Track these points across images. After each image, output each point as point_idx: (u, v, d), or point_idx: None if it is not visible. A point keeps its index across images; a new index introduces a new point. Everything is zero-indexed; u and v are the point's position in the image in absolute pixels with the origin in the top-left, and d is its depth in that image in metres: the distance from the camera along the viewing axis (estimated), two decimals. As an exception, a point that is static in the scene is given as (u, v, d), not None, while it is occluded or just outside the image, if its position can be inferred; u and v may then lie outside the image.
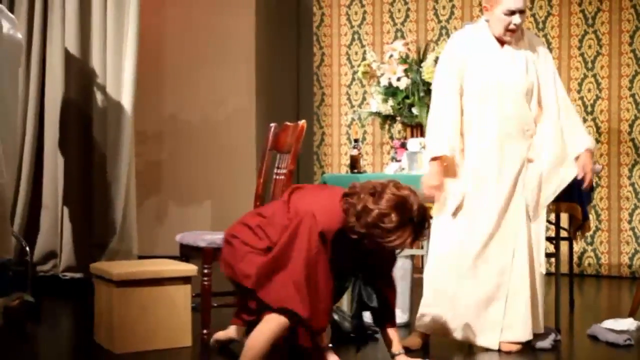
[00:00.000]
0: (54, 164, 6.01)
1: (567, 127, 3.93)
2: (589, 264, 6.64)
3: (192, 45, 7.45)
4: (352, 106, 7.24)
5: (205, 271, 4.21)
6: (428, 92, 5.60)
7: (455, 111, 3.88)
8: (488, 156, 3.88)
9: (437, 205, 3.90)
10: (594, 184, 6.44)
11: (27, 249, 5.59)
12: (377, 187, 3.30)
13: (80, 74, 6.04)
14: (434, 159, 3.87)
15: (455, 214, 3.88)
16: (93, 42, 6.02)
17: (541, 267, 3.96)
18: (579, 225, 4.89)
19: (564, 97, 4.00)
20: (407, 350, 3.74)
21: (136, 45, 5.91)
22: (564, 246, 5.45)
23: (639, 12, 6.50)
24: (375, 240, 3.27)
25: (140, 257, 5.79)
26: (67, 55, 6.00)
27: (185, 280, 4.17)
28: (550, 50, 6.40)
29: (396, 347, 3.59)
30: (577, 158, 3.93)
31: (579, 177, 3.93)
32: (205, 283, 4.20)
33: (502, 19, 3.85)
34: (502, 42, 3.93)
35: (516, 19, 3.84)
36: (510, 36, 3.88)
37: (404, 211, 3.24)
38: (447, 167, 3.88)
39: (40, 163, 6.04)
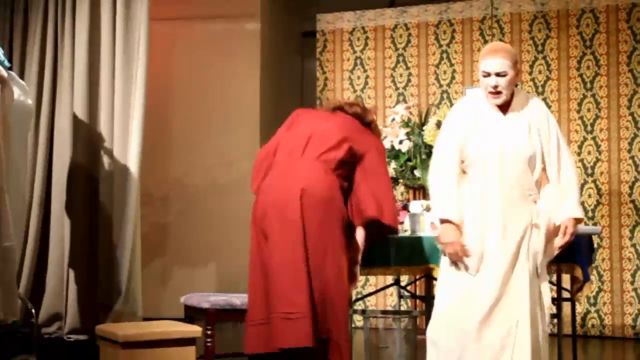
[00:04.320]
0: (61, 226, 6.07)
1: (560, 193, 3.96)
2: (593, 325, 6.64)
3: (198, 110, 7.58)
4: (356, 169, 7.32)
5: (209, 332, 4.24)
6: (430, 154, 5.67)
7: (456, 180, 3.94)
8: (491, 222, 3.92)
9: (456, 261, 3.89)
10: (596, 245, 6.48)
11: (33, 311, 5.61)
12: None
13: (88, 138, 6.14)
14: (443, 221, 3.91)
15: (476, 269, 3.89)
16: (101, 107, 6.13)
17: (547, 326, 3.96)
18: (580, 286, 4.92)
19: (567, 163, 4.01)
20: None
21: (143, 110, 6.02)
22: (566, 307, 5.47)
23: (636, 75, 6.62)
24: None
25: (145, 319, 5.81)
26: (75, 120, 6.11)
27: (189, 341, 4.20)
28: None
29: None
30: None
31: (559, 240, 3.93)
32: (209, 344, 4.23)
33: (482, 81, 3.94)
34: (504, 109, 3.99)
35: (492, 80, 3.90)
36: (493, 98, 3.93)
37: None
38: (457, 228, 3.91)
39: (46, 225, 6.10)
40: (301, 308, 3.83)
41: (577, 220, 3.93)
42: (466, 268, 3.90)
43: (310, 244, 3.90)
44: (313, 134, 4.11)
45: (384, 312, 5.79)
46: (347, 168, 4.10)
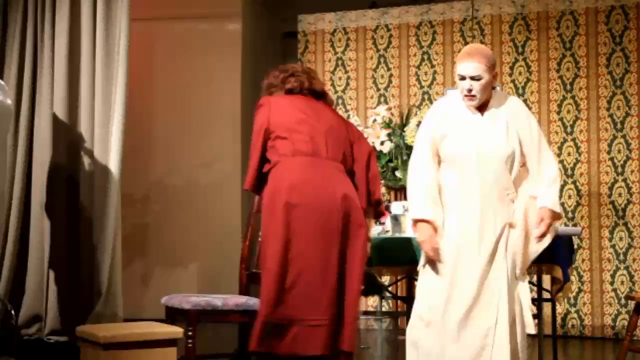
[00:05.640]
0: (41, 227, 6.03)
1: (540, 186, 3.98)
2: (573, 326, 6.68)
3: (179, 111, 7.56)
4: (337, 170, 7.32)
5: (190, 333, 4.22)
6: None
7: (433, 179, 3.97)
8: (469, 222, 3.94)
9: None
10: (576, 246, 6.52)
11: (13, 312, 5.58)
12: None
13: (68, 139, 6.11)
14: (418, 220, 3.94)
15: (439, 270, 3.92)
16: (81, 107, 6.10)
17: (528, 327, 3.98)
18: (560, 286, 4.94)
19: (548, 158, 4.02)
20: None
21: (123, 111, 5.99)
22: (547, 308, 5.50)
23: (615, 78, 6.67)
24: None
25: (126, 320, 5.79)
26: (55, 120, 6.08)
27: (170, 342, 4.19)
28: (530, 114, 6.53)
29: None
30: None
31: (536, 231, 3.94)
32: (190, 345, 4.21)
33: (458, 84, 3.97)
34: (481, 109, 4.01)
35: (466, 84, 3.93)
36: (468, 101, 3.96)
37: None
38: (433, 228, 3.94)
39: (26, 226, 6.06)
40: (327, 316, 3.87)
41: (555, 214, 3.94)
42: (437, 271, 3.94)
43: (342, 252, 3.94)
44: (327, 134, 4.16)
45: (366, 312, 5.80)
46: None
